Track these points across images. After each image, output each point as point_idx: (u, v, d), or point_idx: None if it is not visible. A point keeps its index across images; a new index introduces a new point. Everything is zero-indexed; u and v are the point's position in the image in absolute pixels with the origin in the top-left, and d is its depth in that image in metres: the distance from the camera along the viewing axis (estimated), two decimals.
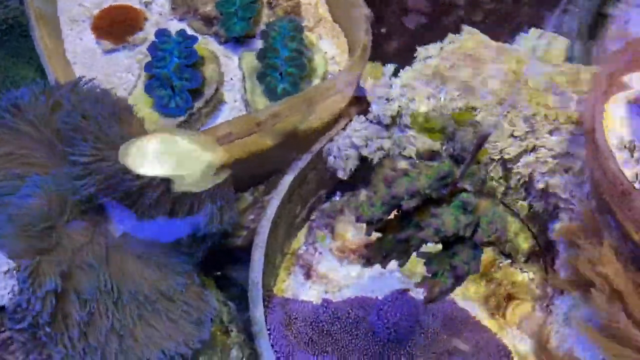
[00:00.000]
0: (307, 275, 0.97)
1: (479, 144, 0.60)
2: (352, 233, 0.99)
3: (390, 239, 0.69)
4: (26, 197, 0.68)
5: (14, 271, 0.64)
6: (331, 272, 0.97)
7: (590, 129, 0.75)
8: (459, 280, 0.63)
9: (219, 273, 1.02)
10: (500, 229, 0.62)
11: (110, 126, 0.73)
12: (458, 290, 0.87)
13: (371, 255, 0.69)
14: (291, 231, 0.96)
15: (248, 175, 0.92)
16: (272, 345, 0.77)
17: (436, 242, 0.65)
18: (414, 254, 0.68)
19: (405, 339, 0.84)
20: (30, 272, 0.65)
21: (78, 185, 0.71)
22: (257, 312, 0.77)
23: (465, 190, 0.64)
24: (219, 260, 1.00)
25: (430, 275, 0.65)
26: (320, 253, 0.98)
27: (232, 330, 0.97)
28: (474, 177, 0.69)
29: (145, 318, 0.80)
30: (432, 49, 0.95)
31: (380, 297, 0.87)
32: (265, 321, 0.79)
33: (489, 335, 0.88)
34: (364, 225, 0.66)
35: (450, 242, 0.64)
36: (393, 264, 0.98)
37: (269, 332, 0.79)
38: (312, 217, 0.99)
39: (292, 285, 0.96)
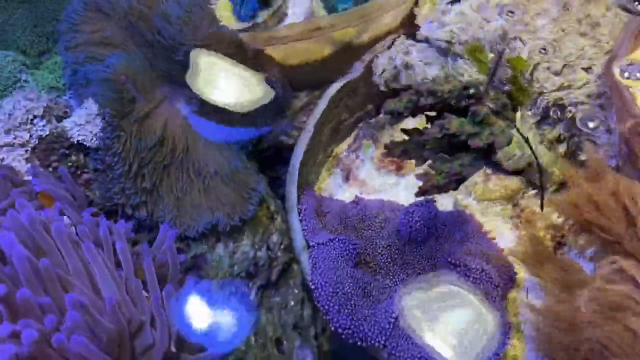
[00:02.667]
0: (346, 179, 1.07)
1: (497, 59, 0.67)
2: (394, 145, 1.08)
3: (409, 140, 0.78)
4: (112, 66, 0.83)
5: (99, 119, 0.79)
6: (369, 178, 1.06)
7: (616, 81, 0.78)
8: (451, 182, 0.71)
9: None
10: (499, 142, 0.69)
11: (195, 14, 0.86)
12: (484, 209, 0.96)
13: (391, 148, 0.78)
14: (336, 135, 1.06)
15: (305, 81, 1.03)
16: (300, 221, 0.89)
17: (444, 149, 0.73)
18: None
19: (424, 241, 0.92)
20: (112, 124, 0.80)
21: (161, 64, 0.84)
22: (292, 189, 0.89)
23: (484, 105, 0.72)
24: (273, 160, 1.13)
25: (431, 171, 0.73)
26: (362, 160, 1.08)
27: (276, 219, 1.11)
28: (498, 100, 0.75)
29: (200, 187, 0.95)
30: None
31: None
32: (298, 202, 0.91)
33: (500, 254, 0.95)
34: None
35: (455, 149, 0.72)
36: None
37: (299, 210, 0.90)
38: (359, 127, 1.09)
39: (330, 186, 1.07)
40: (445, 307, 0.82)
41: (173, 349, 0.69)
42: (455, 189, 0.72)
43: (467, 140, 0.69)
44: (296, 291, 1.12)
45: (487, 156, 0.72)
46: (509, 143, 0.71)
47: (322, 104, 0.94)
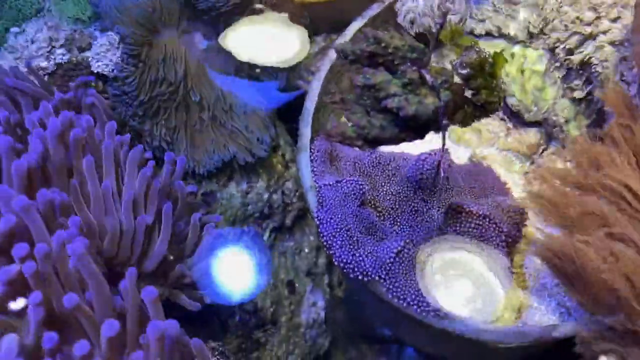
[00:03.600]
0: None
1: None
2: None
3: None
4: None
5: (119, 49, 0.81)
6: None
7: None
8: (359, 137, 0.66)
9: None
10: (406, 109, 0.63)
11: None
12: (502, 160, 0.95)
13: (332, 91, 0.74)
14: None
15: (324, 22, 1.03)
16: (311, 161, 0.90)
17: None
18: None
19: (436, 191, 0.92)
20: (132, 54, 0.83)
21: None
22: (305, 130, 0.90)
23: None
24: (293, 110, 1.14)
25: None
26: None
27: (291, 167, 1.12)
28: (440, 77, 0.69)
29: (214, 125, 0.97)
30: None
31: None
32: (311, 144, 0.92)
33: (513, 205, 0.94)
34: None
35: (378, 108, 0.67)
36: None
37: (311, 151, 0.91)
38: None
39: None
40: (449, 277, 0.83)
41: (171, 257, 0.72)
42: (361, 147, 0.68)
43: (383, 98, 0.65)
44: (311, 238, 1.14)
45: (405, 127, 0.66)
46: (420, 118, 0.65)
47: (339, 41, 0.94)
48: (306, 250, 1.13)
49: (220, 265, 0.90)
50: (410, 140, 0.67)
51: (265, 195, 1.05)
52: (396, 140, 0.67)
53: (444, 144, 0.69)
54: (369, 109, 0.66)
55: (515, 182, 0.97)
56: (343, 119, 0.68)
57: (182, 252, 0.83)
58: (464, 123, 0.66)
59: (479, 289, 0.84)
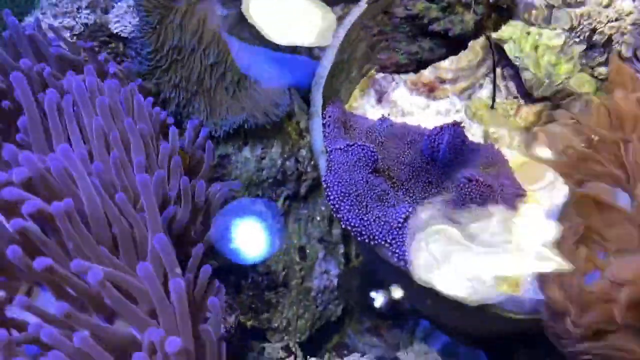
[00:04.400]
0: (379, 100, 1.09)
1: None
2: (429, 70, 1.08)
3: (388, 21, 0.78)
4: None
5: (137, 11, 0.84)
6: (401, 101, 1.07)
7: None
8: (412, 62, 0.73)
9: None
10: (453, 30, 0.69)
11: None
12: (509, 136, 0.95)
13: (368, 26, 0.78)
14: (372, 55, 1.07)
15: None
16: (323, 126, 0.91)
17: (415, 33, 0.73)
18: None
19: (449, 165, 0.93)
20: (149, 16, 0.85)
21: None
22: (317, 96, 0.91)
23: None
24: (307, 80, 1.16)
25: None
26: (397, 83, 1.09)
27: (305, 137, 1.14)
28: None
29: (231, 88, 0.99)
30: None
31: None
32: (323, 110, 0.93)
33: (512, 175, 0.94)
34: None
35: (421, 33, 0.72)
36: (459, 105, 1.06)
37: (323, 116, 0.93)
38: None
39: (362, 106, 1.08)
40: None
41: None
42: (415, 71, 0.74)
43: (427, 24, 0.71)
44: (323, 208, 1.16)
45: (449, 45, 0.73)
46: (464, 35, 0.71)
47: (355, 12, 0.95)
48: (318, 218, 1.16)
49: (236, 227, 0.93)
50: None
51: (279, 162, 1.08)
52: (441, 59, 0.75)
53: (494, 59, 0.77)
54: (411, 36, 0.72)
55: (516, 157, 0.98)
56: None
57: (200, 214, 0.86)
58: (495, 29, 0.74)
59: (478, 262, 0.84)
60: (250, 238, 0.98)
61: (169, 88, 0.93)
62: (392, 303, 1.11)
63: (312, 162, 1.13)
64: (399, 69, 0.73)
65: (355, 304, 1.19)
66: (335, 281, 1.14)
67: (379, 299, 1.12)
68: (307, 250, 1.12)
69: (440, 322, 1.10)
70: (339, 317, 1.16)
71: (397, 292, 1.08)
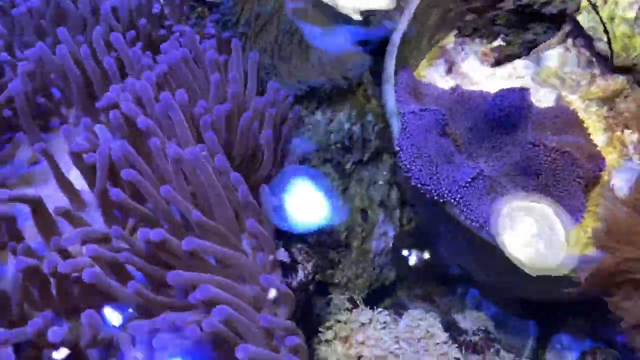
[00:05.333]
0: (448, 70, 1.11)
1: None
2: (500, 40, 1.09)
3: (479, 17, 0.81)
4: None
5: None
6: (471, 71, 1.09)
7: None
8: (525, 50, 0.74)
9: None
10: (570, 7, 0.70)
11: None
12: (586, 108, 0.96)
13: (462, 27, 0.80)
14: (443, 25, 1.09)
15: None
16: (395, 91, 0.95)
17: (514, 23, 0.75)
18: None
19: (514, 129, 0.95)
20: None
21: None
22: (390, 62, 0.95)
23: None
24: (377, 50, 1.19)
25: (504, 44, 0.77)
26: (466, 53, 1.11)
27: (372, 102, 1.18)
28: None
29: (306, 54, 1.03)
30: None
31: None
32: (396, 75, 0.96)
33: (594, 148, 0.95)
34: None
35: (525, 21, 0.74)
36: (527, 72, 1.07)
37: (395, 84, 0.96)
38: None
39: (431, 76, 1.11)
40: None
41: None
42: (527, 54, 0.75)
43: (539, 10, 0.72)
44: (385, 173, 1.20)
45: (559, 24, 0.74)
46: (577, 8, 0.73)
47: None
48: (380, 182, 1.19)
49: (297, 197, 0.97)
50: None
51: (347, 126, 1.12)
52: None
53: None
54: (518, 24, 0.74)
55: (595, 127, 0.99)
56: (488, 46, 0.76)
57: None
58: None
59: (542, 230, 0.86)
60: (310, 208, 1.03)
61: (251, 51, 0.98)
62: (427, 263, 1.15)
63: (376, 128, 1.17)
64: (513, 59, 0.75)
65: (409, 270, 1.23)
66: (392, 244, 1.19)
67: (412, 257, 1.15)
68: (368, 213, 1.17)
69: (495, 288, 1.13)
70: (394, 281, 1.20)
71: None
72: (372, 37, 1.13)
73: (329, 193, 1.09)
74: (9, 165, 0.70)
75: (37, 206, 0.60)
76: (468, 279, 1.19)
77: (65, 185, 0.67)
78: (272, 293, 0.62)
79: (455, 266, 1.23)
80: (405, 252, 1.16)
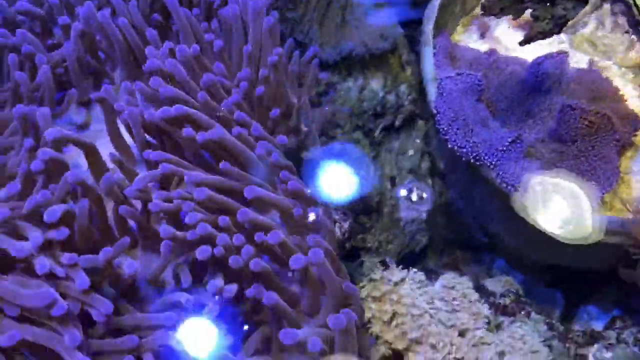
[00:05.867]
0: (482, 36, 1.11)
1: None
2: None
3: None
4: None
5: None
6: (503, 36, 1.09)
7: None
8: (556, 26, 0.74)
9: None
10: None
11: None
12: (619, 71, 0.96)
13: (488, 5, 0.80)
14: None
15: None
16: (433, 55, 0.96)
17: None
18: None
19: (549, 94, 0.95)
20: None
21: None
22: (429, 25, 0.95)
23: None
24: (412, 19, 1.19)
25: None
26: (499, 19, 1.10)
27: (407, 70, 1.18)
28: None
29: (342, 20, 1.04)
30: None
31: None
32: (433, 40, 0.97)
33: (626, 107, 0.95)
34: None
35: None
36: (562, 39, 1.06)
37: (433, 49, 0.97)
38: None
39: (465, 42, 1.11)
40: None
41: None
42: (559, 33, 0.75)
43: None
44: (417, 141, 1.21)
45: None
46: None
47: None
48: (411, 152, 1.20)
49: (331, 167, 0.98)
50: None
51: (381, 94, 1.13)
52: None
53: None
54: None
55: (630, 94, 0.98)
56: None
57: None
58: None
59: (570, 203, 0.86)
60: (343, 176, 1.04)
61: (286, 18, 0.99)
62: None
63: (409, 97, 1.17)
64: (545, 36, 0.74)
65: (440, 239, 1.24)
66: (423, 213, 1.20)
67: (413, 194, 1.15)
68: (397, 181, 1.18)
69: (523, 256, 1.13)
70: (423, 248, 1.22)
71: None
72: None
73: (360, 161, 1.11)
74: (61, 120, 0.72)
75: (91, 153, 0.62)
76: (495, 248, 1.20)
77: (116, 138, 0.69)
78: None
79: (483, 236, 1.24)
80: (404, 192, 1.16)
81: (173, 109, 0.63)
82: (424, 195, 1.14)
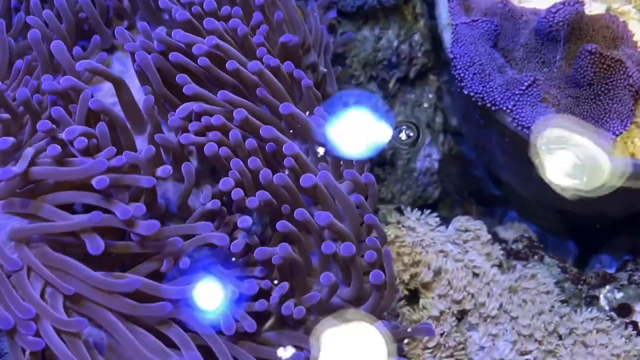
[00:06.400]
0: None
1: None
2: None
3: None
4: None
5: None
6: None
7: None
8: None
9: None
10: None
11: None
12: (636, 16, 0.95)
13: None
14: None
15: None
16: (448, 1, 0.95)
17: None
18: None
19: (565, 43, 0.95)
20: None
21: None
22: None
23: None
24: None
25: None
26: None
27: (420, 21, 1.18)
28: None
29: None
30: None
31: None
32: None
33: None
34: None
35: None
36: None
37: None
38: None
39: None
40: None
41: None
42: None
43: None
44: (430, 95, 1.22)
45: None
46: None
47: None
48: (425, 105, 1.21)
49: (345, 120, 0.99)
50: None
51: (395, 44, 1.13)
52: None
53: None
54: None
55: None
56: None
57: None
58: None
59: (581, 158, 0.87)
60: (358, 130, 1.04)
61: None
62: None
63: (423, 48, 1.17)
64: None
65: (453, 190, 1.25)
66: (436, 165, 1.21)
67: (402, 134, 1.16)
68: (411, 135, 1.19)
69: (537, 204, 1.14)
70: (436, 199, 1.23)
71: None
72: None
73: (374, 111, 1.11)
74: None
75: (120, 86, 0.63)
76: (508, 200, 1.22)
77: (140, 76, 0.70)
78: None
79: (496, 187, 1.25)
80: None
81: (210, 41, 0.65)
82: (411, 134, 1.14)
